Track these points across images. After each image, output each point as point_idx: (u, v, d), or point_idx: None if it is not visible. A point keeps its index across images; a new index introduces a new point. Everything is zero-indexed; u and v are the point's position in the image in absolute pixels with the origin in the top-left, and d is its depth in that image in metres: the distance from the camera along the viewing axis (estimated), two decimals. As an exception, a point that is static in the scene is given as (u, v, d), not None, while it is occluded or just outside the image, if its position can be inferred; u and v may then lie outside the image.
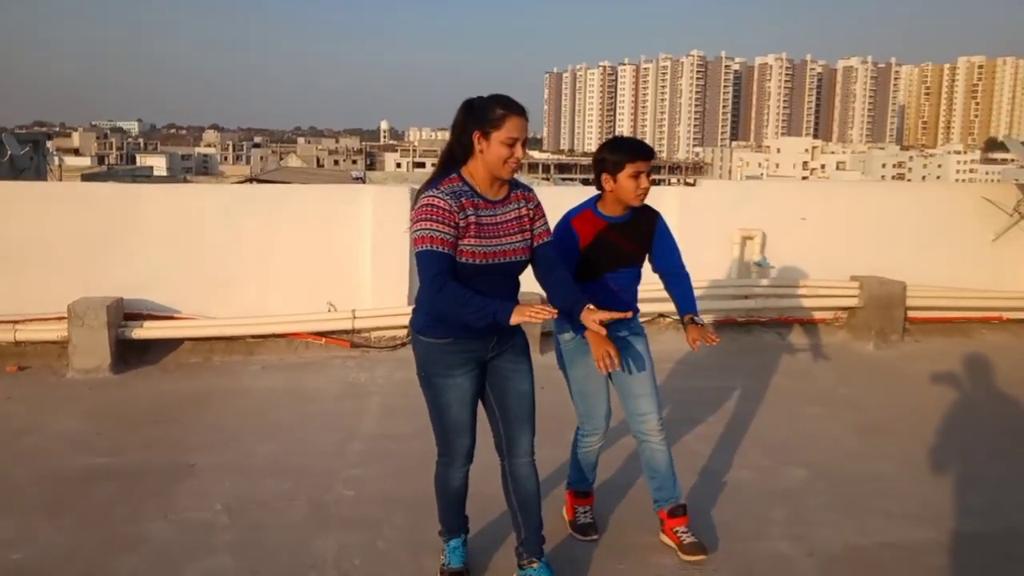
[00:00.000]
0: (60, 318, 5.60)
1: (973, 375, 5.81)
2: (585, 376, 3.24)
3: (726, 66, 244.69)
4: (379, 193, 6.33)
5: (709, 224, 6.65)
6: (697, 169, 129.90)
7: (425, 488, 3.32)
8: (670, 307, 6.44)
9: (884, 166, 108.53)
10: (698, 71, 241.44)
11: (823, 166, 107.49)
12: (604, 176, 3.17)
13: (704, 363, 5.93)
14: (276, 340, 6.07)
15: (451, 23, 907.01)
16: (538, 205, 2.88)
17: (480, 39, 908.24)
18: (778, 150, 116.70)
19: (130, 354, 5.73)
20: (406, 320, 6.18)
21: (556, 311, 2.57)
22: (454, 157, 2.76)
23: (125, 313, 5.81)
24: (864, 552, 3.30)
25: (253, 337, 6.05)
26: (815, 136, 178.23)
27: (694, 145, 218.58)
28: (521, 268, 2.83)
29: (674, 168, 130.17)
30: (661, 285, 5.48)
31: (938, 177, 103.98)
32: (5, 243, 5.79)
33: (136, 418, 4.76)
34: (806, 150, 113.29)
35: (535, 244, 2.86)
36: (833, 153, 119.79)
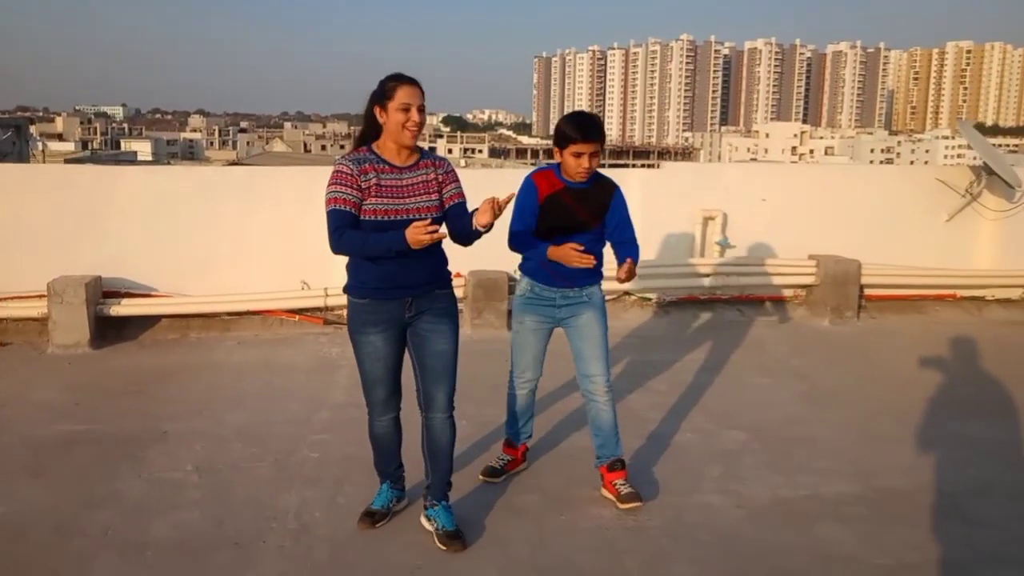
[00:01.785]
0: (40, 296, 5.78)
1: (921, 348, 6.06)
2: (520, 329, 3.62)
3: (716, 51, 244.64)
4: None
5: (671, 205, 6.88)
6: (686, 154, 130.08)
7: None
8: (634, 284, 6.68)
9: (872, 151, 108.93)
10: (688, 56, 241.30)
11: (812, 151, 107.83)
12: (555, 148, 3.43)
13: (664, 337, 6.18)
14: (251, 317, 6.27)
15: (438, 7, 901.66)
16: (449, 171, 3.14)
17: (468, 23, 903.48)
18: (767, 135, 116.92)
19: (109, 331, 5.91)
20: (378, 297, 6.43)
21: (444, 233, 2.88)
22: (365, 138, 3.12)
23: (104, 291, 6.00)
24: (789, 503, 3.56)
25: (229, 314, 6.25)
26: (804, 121, 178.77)
27: (684, 130, 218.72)
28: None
29: (663, 153, 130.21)
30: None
31: (926, 162, 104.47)
32: (-14, 223, 5.96)
33: (113, 389, 4.96)
34: (795, 135, 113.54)
35: (447, 205, 3.11)
36: (822, 138, 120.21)
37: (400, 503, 3.44)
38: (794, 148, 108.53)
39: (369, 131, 3.09)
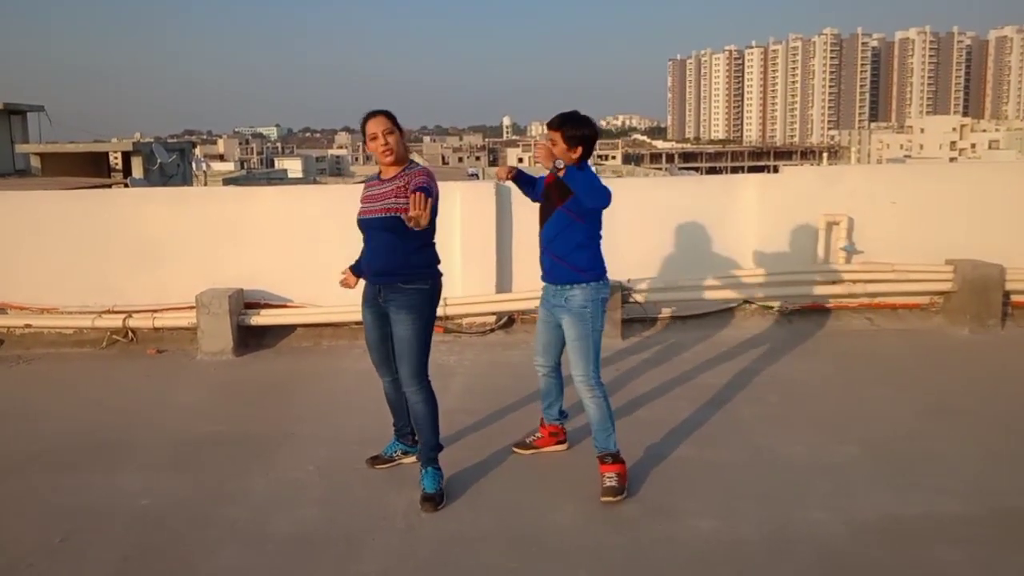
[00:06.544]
0: (190, 307, 6.34)
1: (1072, 360, 5.61)
2: (538, 318, 4.08)
3: (863, 43, 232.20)
4: (467, 189, 6.75)
5: (791, 211, 6.68)
6: (832, 153, 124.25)
7: (492, 455, 4.08)
8: (755, 292, 6.59)
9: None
10: (832, 50, 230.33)
11: (973, 145, 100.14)
12: None
13: (782, 347, 6.02)
14: (377, 326, 6.59)
15: (572, 13, 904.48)
16: (419, 173, 3.65)
17: (600, 29, 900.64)
18: (922, 130, 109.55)
19: (250, 339, 6.41)
20: (495, 308, 6.63)
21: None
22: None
23: (245, 302, 6.51)
24: (898, 522, 3.41)
25: (357, 323, 6.60)
26: (965, 114, 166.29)
27: (829, 128, 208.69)
28: (383, 224, 3.65)
29: (806, 153, 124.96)
30: (748, 271, 5.38)
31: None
32: (144, 242, 6.60)
33: (250, 394, 5.39)
34: (954, 129, 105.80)
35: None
36: (985, 131, 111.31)
37: (407, 456, 4.07)
38: (953, 143, 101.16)
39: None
